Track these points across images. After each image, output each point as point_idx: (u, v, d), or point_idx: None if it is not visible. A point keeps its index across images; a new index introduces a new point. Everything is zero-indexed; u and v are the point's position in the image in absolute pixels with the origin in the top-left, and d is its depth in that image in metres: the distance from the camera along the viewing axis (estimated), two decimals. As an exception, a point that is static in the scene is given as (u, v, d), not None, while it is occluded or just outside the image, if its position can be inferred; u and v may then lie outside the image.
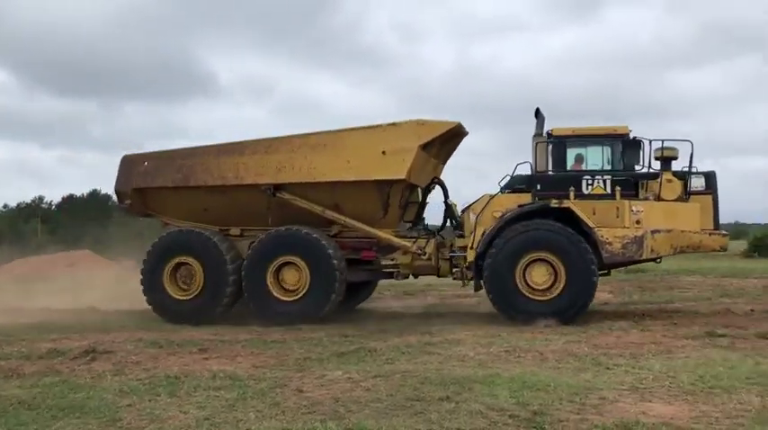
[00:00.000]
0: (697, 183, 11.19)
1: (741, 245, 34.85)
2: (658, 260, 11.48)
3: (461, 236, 11.63)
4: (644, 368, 6.91)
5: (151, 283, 11.61)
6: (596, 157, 11.47)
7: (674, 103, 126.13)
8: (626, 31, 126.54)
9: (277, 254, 11.23)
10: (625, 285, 16.62)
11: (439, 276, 11.97)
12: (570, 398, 5.74)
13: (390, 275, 12.01)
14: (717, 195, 11.22)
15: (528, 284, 10.58)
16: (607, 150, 11.41)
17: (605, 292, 14.58)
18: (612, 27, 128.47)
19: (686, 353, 7.80)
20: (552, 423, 5.03)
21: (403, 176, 11.12)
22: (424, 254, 11.50)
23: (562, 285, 10.47)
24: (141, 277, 11.71)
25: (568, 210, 10.69)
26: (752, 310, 11.59)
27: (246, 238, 11.81)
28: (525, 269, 10.59)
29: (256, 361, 7.78)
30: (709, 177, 11.25)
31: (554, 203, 10.79)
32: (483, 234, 10.85)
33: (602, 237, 10.57)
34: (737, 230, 48.90)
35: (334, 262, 11.13)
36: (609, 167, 11.26)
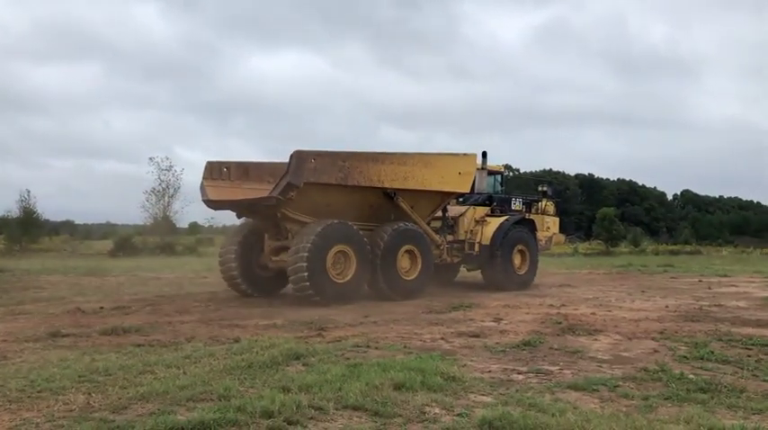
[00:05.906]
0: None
1: (108, 244, 36.35)
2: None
3: (451, 233, 16.12)
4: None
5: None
6: (493, 185, 17.91)
7: (29, 97, 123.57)
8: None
9: (403, 244, 13.67)
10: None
11: (440, 262, 15.53)
12: None
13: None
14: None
15: (514, 265, 16.43)
16: (498, 178, 18.12)
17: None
18: None
19: (24, 357, 7.37)
20: None
21: (467, 191, 15.29)
22: (442, 245, 15.45)
23: (527, 266, 16.79)
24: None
25: (532, 221, 17.58)
26: (101, 308, 11.85)
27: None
28: (515, 255, 16.51)
29: None
30: (557, 203, 19.70)
31: (527, 216, 17.65)
32: (492, 233, 16.07)
33: (538, 236, 17.60)
34: (107, 230, 51.00)
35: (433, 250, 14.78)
36: (496, 191, 17.86)
